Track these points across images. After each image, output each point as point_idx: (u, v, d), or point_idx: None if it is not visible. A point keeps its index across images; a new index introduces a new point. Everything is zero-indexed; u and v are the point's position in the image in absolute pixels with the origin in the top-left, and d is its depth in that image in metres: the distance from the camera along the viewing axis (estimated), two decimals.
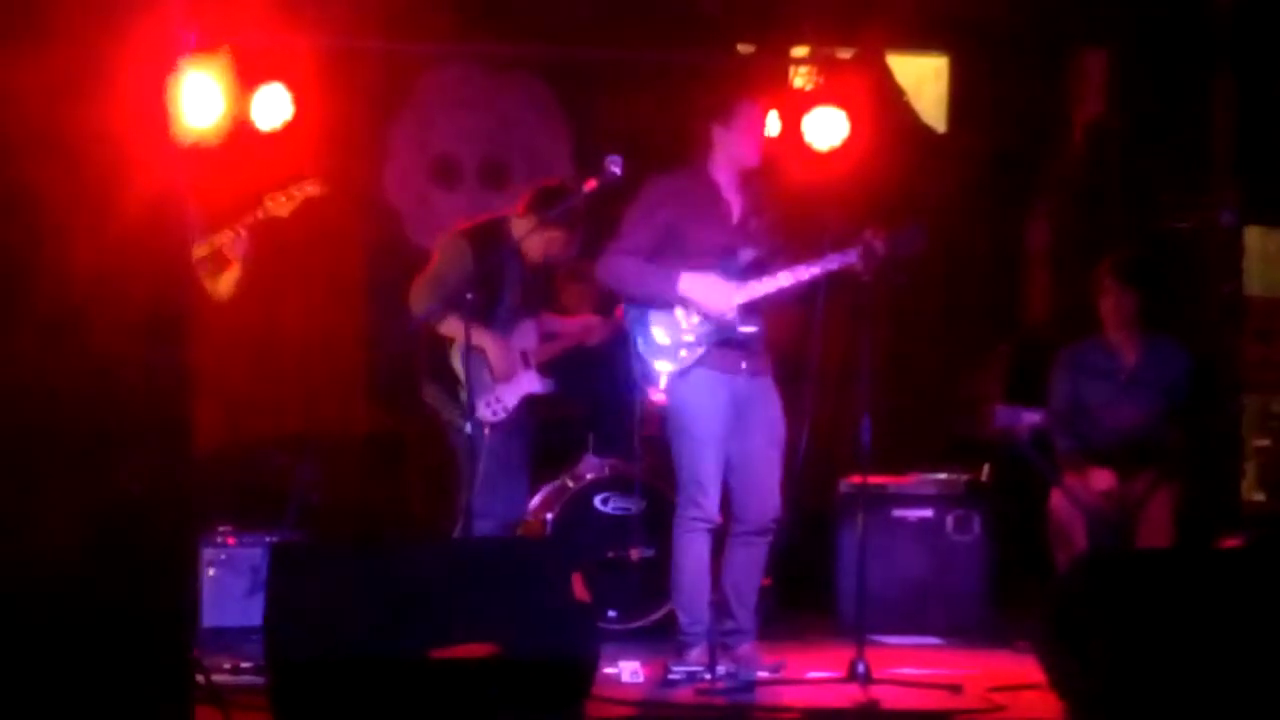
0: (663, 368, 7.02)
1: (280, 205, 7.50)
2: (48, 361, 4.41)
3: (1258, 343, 9.34)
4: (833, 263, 6.91)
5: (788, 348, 7.56)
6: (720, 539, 7.09)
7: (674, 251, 7.01)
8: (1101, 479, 7.83)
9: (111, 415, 4.45)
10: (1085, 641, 6.05)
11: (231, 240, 7.42)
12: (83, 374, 4.43)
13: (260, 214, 7.48)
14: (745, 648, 7.02)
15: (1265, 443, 9.57)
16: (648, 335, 7.04)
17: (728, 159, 7.10)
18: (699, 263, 6.99)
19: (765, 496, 7.05)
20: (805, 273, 6.96)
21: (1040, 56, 9.82)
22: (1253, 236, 9.30)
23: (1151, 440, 7.88)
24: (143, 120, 4.53)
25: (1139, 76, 9.49)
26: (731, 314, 6.97)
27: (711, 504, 6.99)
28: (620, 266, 7.04)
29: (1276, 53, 8.81)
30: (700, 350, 7.00)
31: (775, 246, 7.09)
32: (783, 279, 6.98)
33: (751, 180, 7.16)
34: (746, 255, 7.03)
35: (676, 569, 7.07)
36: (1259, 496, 9.48)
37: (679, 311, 7.02)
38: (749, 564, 7.09)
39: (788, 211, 7.28)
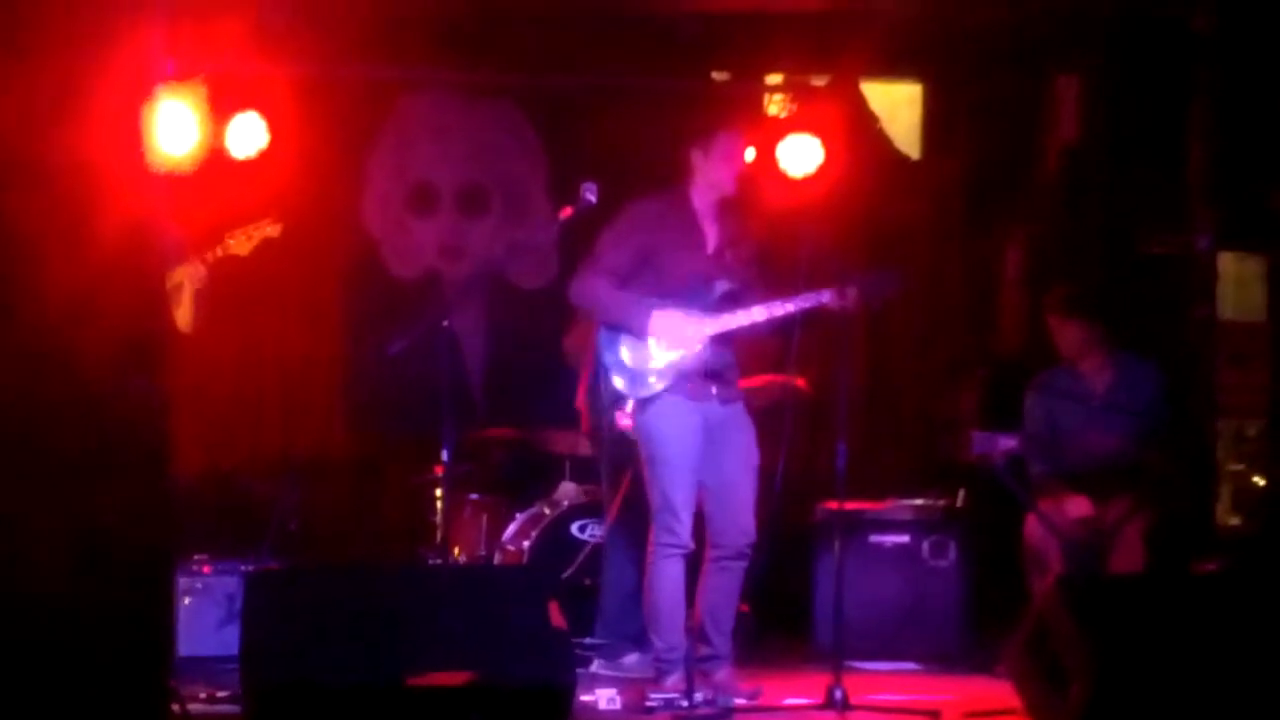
0: (631, 392, 7.03)
1: (240, 243, 7.54)
2: (25, 388, 4.41)
3: (1232, 367, 9.36)
4: (807, 301, 6.93)
5: (764, 374, 7.60)
6: (694, 565, 7.10)
7: (648, 277, 7.02)
8: (1077, 506, 7.84)
9: (89, 442, 4.45)
10: (1060, 666, 6.06)
11: (190, 274, 7.44)
12: (60, 400, 4.43)
13: (220, 251, 7.51)
14: (722, 674, 7.01)
15: (1239, 467, 9.60)
16: (618, 359, 7.03)
17: (706, 185, 7.11)
18: (672, 289, 6.99)
19: (741, 521, 7.05)
20: (779, 309, 6.97)
21: (1014, 82, 9.85)
22: (1227, 261, 9.33)
23: (1126, 465, 7.90)
24: (119, 148, 4.53)
25: (1113, 102, 9.52)
26: (693, 356, 6.97)
27: (685, 530, 6.98)
28: (594, 289, 7.04)
29: (1252, 78, 8.84)
30: (670, 377, 6.99)
31: (749, 279, 7.10)
32: (756, 314, 6.98)
33: (729, 209, 7.17)
34: (721, 286, 7.03)
35: (652, 596, 7.06)
36: (1234, 520, 9.50)
37: (651, 339, 7.02)
38: (725, 589, 7.08)
39: (763, 241, 7.29)
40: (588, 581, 8.04)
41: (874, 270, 7.03)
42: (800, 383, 7.68)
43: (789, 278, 7.02)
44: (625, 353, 7.02)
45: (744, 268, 7.12)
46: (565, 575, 8.01)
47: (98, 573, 4.43)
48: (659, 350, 6.99)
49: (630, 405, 7.11)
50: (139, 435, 4.54)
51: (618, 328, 7.02)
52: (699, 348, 6.97)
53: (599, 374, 7.17)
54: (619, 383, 7.03)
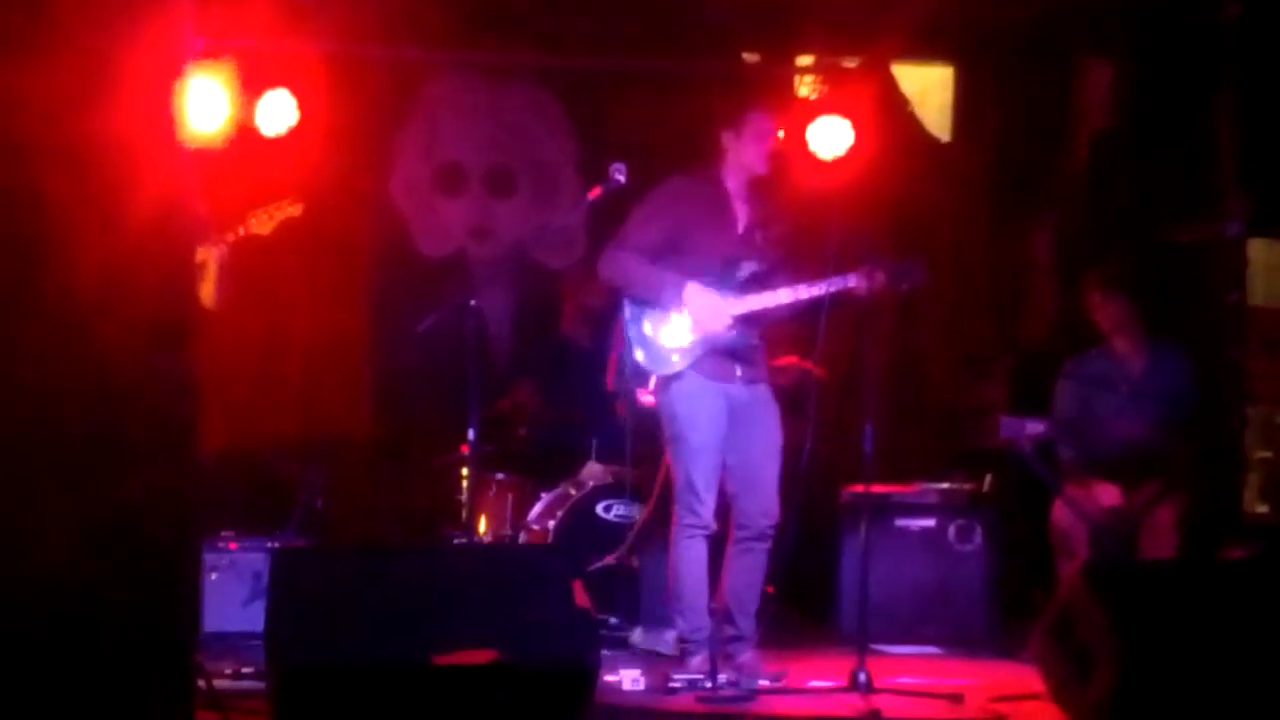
0: (653, 368, 7.03)
1: (261, 223, 7.54)
2: (54, 366, 4.42)
3: (1262, 354, 9.32)
4: (833, 285, 6.93)
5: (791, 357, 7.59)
6: (718, 546, 7.10)
7: (677, 255, 7.02)
8: (1107, 494, 7.82)
9: (117, 420, 4.45)
10: (1087, 652, 6.05)
11: (214, 253, 7.44)
12: (89, 379, 4.44)
13: (242, 230, 7.51)
14: (746, 656, 7.02)
15: (1268, 454, 9.56)
16: (642, 336, 7.04)
17: (738, 166, 7.12)
18: (700, 268, 7.00)
19: (765, 503, 7.06)
20: (805, 292, 6.98)
21: (1046, 67, 9.82)
22: (1257, 248, 9.29)
23: (1156, 451, 7.88)
24: (150, 125, 4.53)
25: (1145, 87, 9.48)
26: (722, 333, 6.97)
27: (708, 511, 6.99)
28: (624, 262, 7.05)
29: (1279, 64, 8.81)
30: (692, 356, 7.00)
31: (777, 261, 7.11)
32: (783, 295, 7.00)
33: (759, 190, 7.17)
34: (749, 267, 7.04)
35: (675, 577, 7.07)
36: (1262, 508, 9.46)
37: (676, 315, 7.01)
38: (749, 571, 7.09)
39: (792, 223, 7.29)
40: (614, 561, 8.04)
41: (901, 256, 7.03)
42: (819, 371, 7.66)
43: (817, 260, 7.02)
44: (649, 328, 7.03)
45: (773, 249, 7.13)
46: (591, 555, 8.00)
47: (125, 550, 4.44)
48: (684, 328, 6.99)
49: (653, 382, 7.10)
50: (167, 414, 4.54)
51: (647, 302, 7.02)
52: (727, 327, 6.96)
53: (624, 350, 7.17)
54: (641, 357, 7.03)
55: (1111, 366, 8.07)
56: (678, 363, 7.00)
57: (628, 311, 7.09)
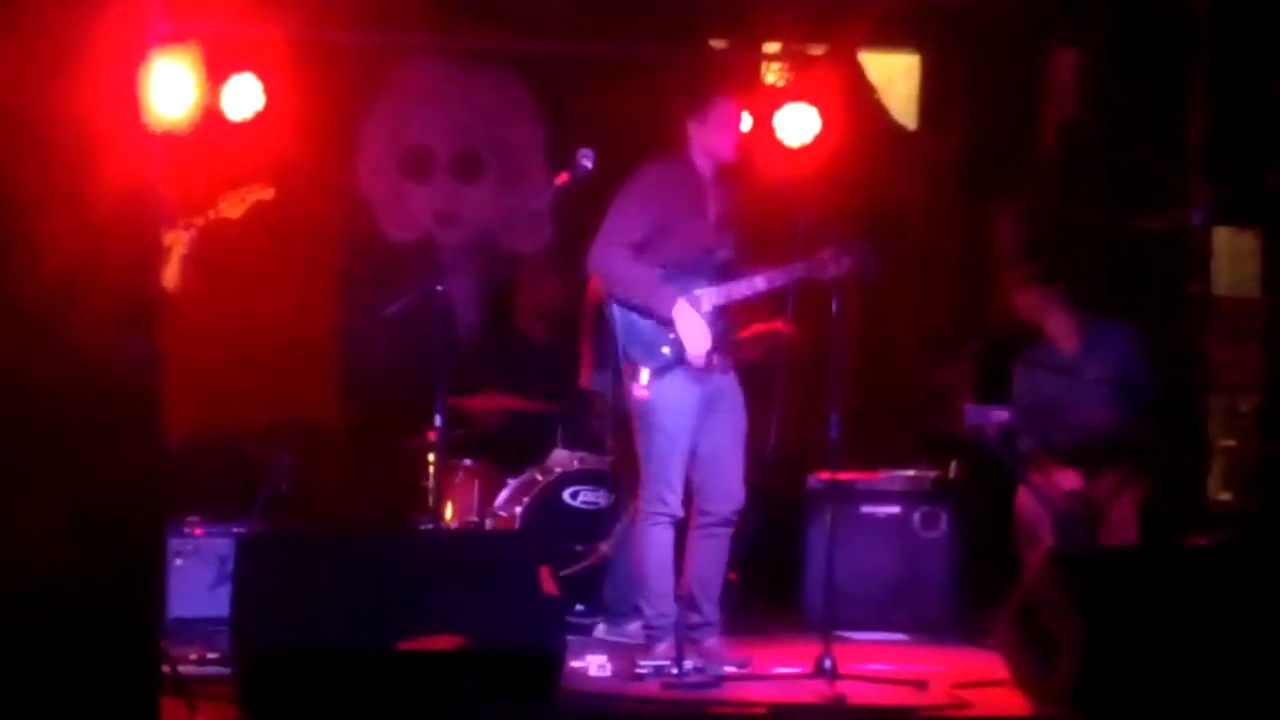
0: (644, 362, 7.02)
1: (232, 207, 7.49)
2: (20, 350, 4.40)
3: (1225, 342, 9.37)
4: (799, 272, 6.97)
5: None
6: (681, 532, 7.11)
7: (658, 244, 7.01)
8: (1068, 480, 7.86)
9: (84, 403, 4.44)
10: (1050, 638, 6.08)
11: (179, 238, 7.40)
12: (56, 361, 4.43)
13: (212, 214, 7.47)
14: (711, 641, 7.03)
15: (1231, 443, 9.61)
16: (632, 331, 7.03)
17: (705, 154, 7.12)
18: (680, 257, 7.00)
19: (730, 488, 7.08)
20: (779, 279, 7.00)
21: (1013, 54, 9.83)
22: (1221, 237, 9.33)
23: (1115, 438, 7.91)
24: (115, 109, 4.52)
25: (1112, 76, 9.50)
26: (700, 359, 6.98)
27: (677, 499, 7.01)
28: (616, 262, 7.02)
29: (1250, 54, 8.83)
30: (678, 349, 7.00)
31: (743, 247, 7.13)
32: (758, 282, 7.04)
33: (726, 177, 7.18)
34: (722, 255, 7.07)
35: (641, 563, 7.08)
36: (1225, 496, 9.51)
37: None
38: (713, 556, 7.11)
39: (757, 210, 7.30)
40: (579, 548, 8.04)
41: (867, 243, 7.04)
42: (788, 329, 7.62)
43: (785, 247, 7.03)
44: (640, 327, 7.02)
45: (739, 236, 7.15)
46: (557, 542, 7.98)
47: (92, 535, 4.43)
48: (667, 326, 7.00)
49: (645, 376, 7.04)
50: (134, 398, 4.53)
51: (635, 306, 7.01)
52: (701, 361, 6.97)
53: (611, 343, 7.13)
54: (632, 352, 7.02)
55: (1049, 353, 8.11)
56: (667, 354, 7.00)
57: (617, 309, 7.06)
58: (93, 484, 4.43)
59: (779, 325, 7.38)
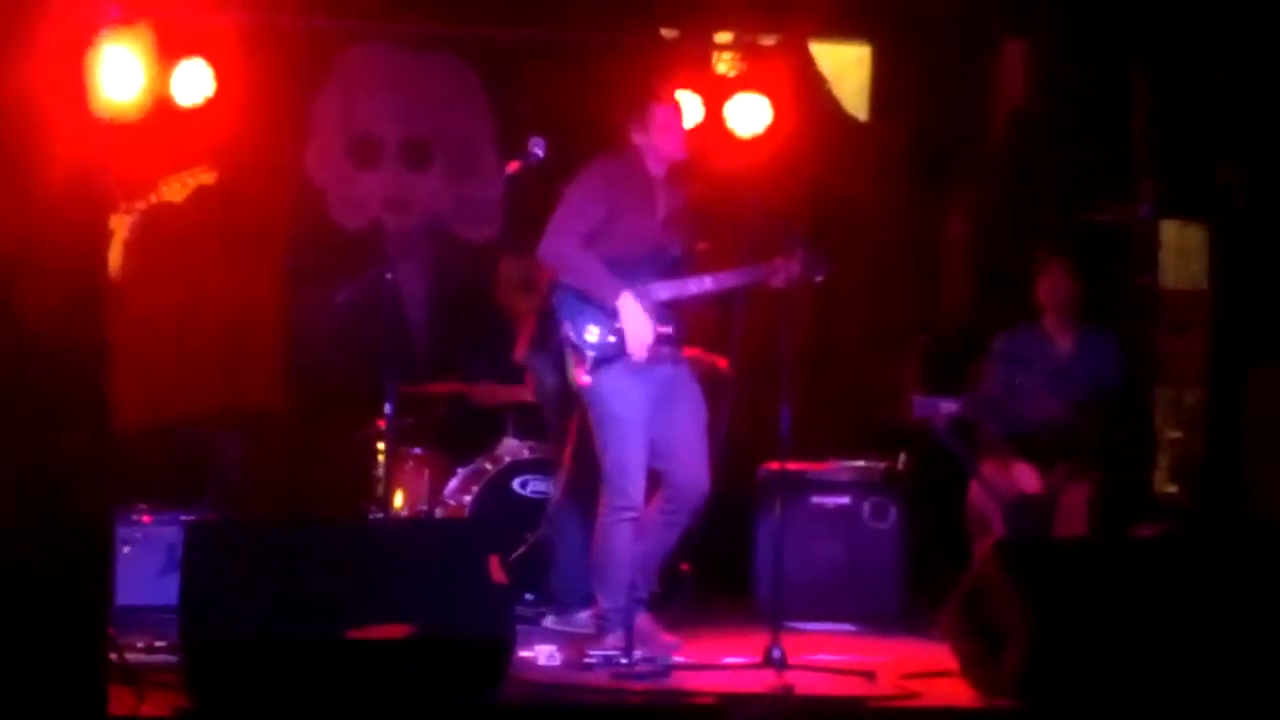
0: (588, 348, 7.01)
1: (173, 190, 7.44)
2: None
3: (1172, 335, 9.41)
4: (749, 276, 7.03)
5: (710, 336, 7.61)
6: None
7: (607, 238, 7.01)
8: (1027, 480, 7.83)
9: (30, 390, 4.42)
10: (997, 629, 6.10)
11: (122, 222, 7.35)
12: (3, 344, 4.39)
13: (154, 198, 7.42)
14: (642, 621, 7.01)
15: (1178, 435, 9.65)
16: (578, 320, 7.02)
17: (652, 156, 7.13)
18: (630, 251, 7.00)
19: (697, 476, 7.10)
20: (728, 280, 7.04)
21: (963, 46, 9.85)
22: (1168, 230, 9.37)
23: (1074, 431, 7.93)
24: (63, 93, 4.49)
25: (1061, 68, 9.54)
26: (643, 356, 6.98)
27: (639, 492, 7.01)
28: (567, 252, 7.01)
29: (1198, 47, 8.87)
30: (625, 337, 6.99)
31: (692, 244, 7.15)
32: (707, 283, 7.07)
33: (677, 174, 7.18)
34: (673, 252, 7.08)
35: (601, 556, 7.07)
36: (1172, 488, 9.56)
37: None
38: (666, 540, 7.14)
39: (707, 203, 7.31)
40: (529, 537, 8.03)
41: (812, 246, 7.06)
42: (721, 363, 7.69)
43: (734, 242, 7.04)
44: (587, 315, 7.01)
45: (688, 232, 7.16)
46: (508, 531, 7.97)
47: (37, 522, 4.40)
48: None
49: (590, 361, 7.04)
50: (80, 383, 4.51)
51: (584, 294, 7.00)
52: (640, 357, 6.97)
53: (555, 327, 7.13)
54: (576, 337, 7.01)
55: (1039, 344, 8.12)
56: (614, 343, 6.99)
57: (563, 298, 7.05)
58: (40, 471, 4.40)
59: (720, 362, 7.43)
